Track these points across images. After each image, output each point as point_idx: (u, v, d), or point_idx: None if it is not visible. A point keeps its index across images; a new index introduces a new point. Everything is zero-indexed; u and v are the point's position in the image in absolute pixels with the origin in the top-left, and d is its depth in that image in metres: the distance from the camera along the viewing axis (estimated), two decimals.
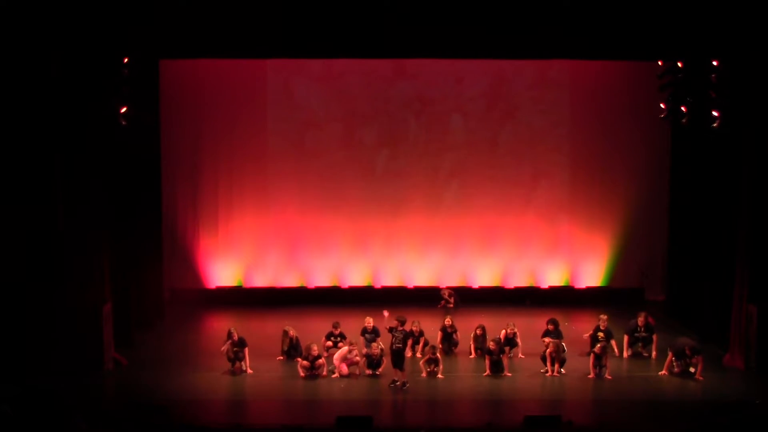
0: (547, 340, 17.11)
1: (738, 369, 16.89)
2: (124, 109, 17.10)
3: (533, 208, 22.70)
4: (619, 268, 22.73)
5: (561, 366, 16.65)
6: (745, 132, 16.95)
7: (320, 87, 22.39)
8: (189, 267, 22.58)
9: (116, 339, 17.20)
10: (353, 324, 17.96)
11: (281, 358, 17.41)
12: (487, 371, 16.55)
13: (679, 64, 18.89)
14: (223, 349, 16.73)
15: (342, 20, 16.28)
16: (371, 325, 17.50)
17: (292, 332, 17.51)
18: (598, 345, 16.59)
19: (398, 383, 15.88)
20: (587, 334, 17.58)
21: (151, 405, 14.28)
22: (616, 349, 17.37)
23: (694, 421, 13.73)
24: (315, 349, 16.56)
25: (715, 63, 17.59)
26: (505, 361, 16.62)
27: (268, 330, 18.33)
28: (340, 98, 22.42)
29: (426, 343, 17.20)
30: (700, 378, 16.19)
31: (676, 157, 20.86)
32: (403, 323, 17.06)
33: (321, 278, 22.78)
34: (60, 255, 16.35)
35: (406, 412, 15.25)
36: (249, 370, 16.64)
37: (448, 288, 21.03)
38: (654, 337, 17.56)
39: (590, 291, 22.72)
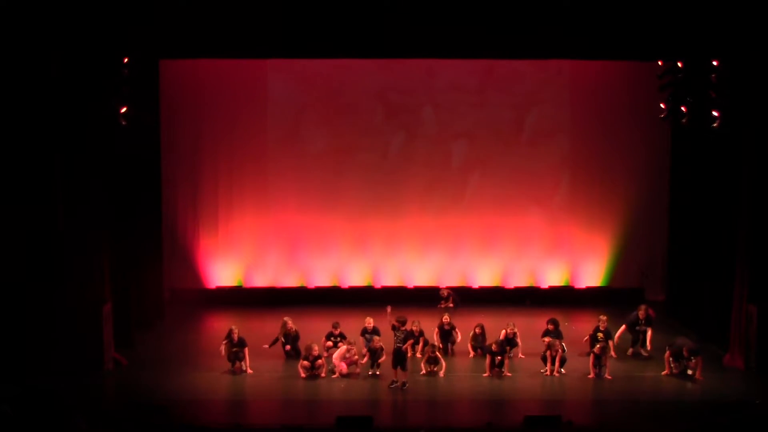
0: (546, 339, 17.12)
1: (738, 369, 16.90)
2: (124, 109, 17.09)
3: (533, 208, 22.69)
4: (619, 268, 22.72)
5: (561, 365, 16.66)
6: (745, 132, 16.95)
7: (320, 87, 22.38)
8: (189, 267, 22.57)
9: (116, 339, 17.21)
10: (353, 324, 17.96)
11: (265, 347, 17.35)
12: (488, 371, 16.56)
13: (679, 64, 18.88)
14: (221, 349, 16.75)
15: (342, 20, 16.27)
16: (371, 325, 17.50)
17: (290, 324, 17.50)
18: (598, 345, 16.60)
19: (398, 383, 15.89)
20: (586, 338, 17.56)
21: (151, 405, 14.29)
22: (613, 352, 17.32)
23: (694, 421, 13.75)
24: (315, 349, 16.56)
25: (715, 63, 17.59)
26: (506, 361, 16.63)
27: (268, 330, 18.31)
28: (340, 98, 22.41)
29: (426, 343, 17.22)
30: (700, 378, 16.19)
31: (676, 157, 20.86)
32: (403, 323, 17.10)
33: (321, 278, 22.78)
34: (60, 255, 16.35)
35: (406, 412, 15.27)
36: (249, 370, 16.65)
37: (447, 288, 21.06)
38: (649, 329, 17.57)
39: (590, 291, 22.72)
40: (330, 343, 17.49)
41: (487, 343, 17.25)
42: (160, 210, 21.09)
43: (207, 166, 22.47)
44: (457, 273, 22.73)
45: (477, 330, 17.77)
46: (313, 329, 18.30)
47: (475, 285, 22.79)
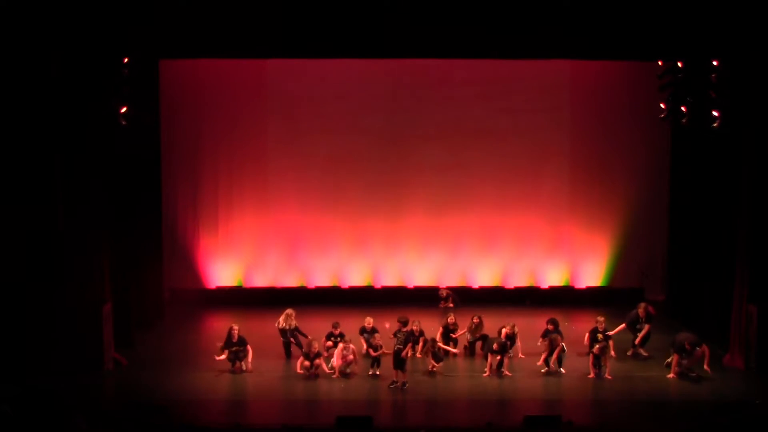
0: (546, 340, 17.13)
1: (738, 369, 16.91)
2: (124, 109, 17.10)
3: (533, 208, 22.67)
4: (619, 268, 22.73)
5: (560, 364, 16.66)
6: (745, 132, 16.95)
7: (320, 87, 22.37)
8: (189, 267, 22.58)
9: (116, 339, 17.22)
10: (353, 324, 17.95)
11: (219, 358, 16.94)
12: (488, 371, 16.57)
13: (679, 64, 18.89)
14: (220, 357, 16.75)
15: (342, 20, 16.29)
16: (371, 325, 17.50)
17: (292, 318, 17.56)
18: (597, 345, 16.57)
19: (398, 383, 15.90)
20: (586, 340, 17.52)
21: (151, 405, 14.30)
22: (613, 352, 17.29)
23: (694, 421, 13.75)
24: (315, 346, 16.58)
25: (715, 63, 17.60)
26: (505, 361, 16.64)
27: (268, 330, 18.31)
28: (340, 98, 22.39)
29: (426, 343, 17.22)
30: (708, 369, 16.14)
31: (676, 157, 20.86)
32: (405, 324, 17.10)
33: (321, 278, 22.78)
34: (60, 255, 16.35)
35: (406, 412, 15.27)
36: (250, 368, 16.66)
37: (447, 288, 21.06)
38: (647, 326, 17.57)
39: (590, 291, 22.72)
40: (330, 343, 17.47)
41: (484, 333, 17.47)
42: (160, 210, 21.10)
43: (207, 166, 22.47)
44: (457, 273, 22.73)
45: (475, 320, 17.78)
46: (313, 329, 18.26)
47: (475, 285, 22.79)
